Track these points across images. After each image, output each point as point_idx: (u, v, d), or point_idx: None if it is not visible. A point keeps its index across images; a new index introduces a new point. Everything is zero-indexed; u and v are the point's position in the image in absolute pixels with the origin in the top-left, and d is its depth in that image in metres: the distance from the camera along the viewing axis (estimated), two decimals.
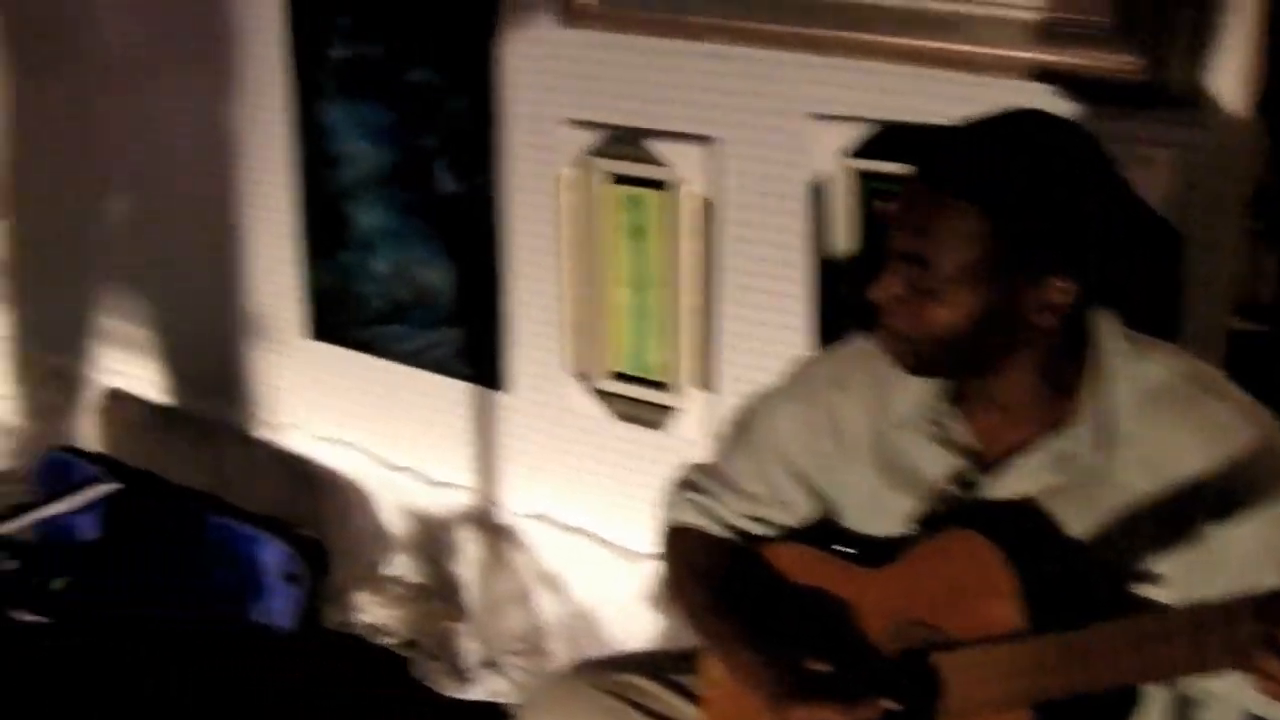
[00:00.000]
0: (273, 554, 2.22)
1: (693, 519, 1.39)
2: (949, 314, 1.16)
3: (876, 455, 1.29)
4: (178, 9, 2.38)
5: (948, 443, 1.24)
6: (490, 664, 2.11)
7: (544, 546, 2.07)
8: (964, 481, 1.23)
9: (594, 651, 1.90)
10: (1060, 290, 1.15)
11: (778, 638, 1.26)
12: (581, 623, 2.01)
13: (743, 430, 1.39)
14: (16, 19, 2.66)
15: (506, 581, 2.09)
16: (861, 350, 1.29)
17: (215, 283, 2.45)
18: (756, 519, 1.37)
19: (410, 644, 2.18)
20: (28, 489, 2.64)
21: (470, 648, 2.13)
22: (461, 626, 2.14)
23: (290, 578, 2.20)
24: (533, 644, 2.08)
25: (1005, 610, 1.15)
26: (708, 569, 1.35)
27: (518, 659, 2.08)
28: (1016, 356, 1.19)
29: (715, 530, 1.37)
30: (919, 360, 1.21)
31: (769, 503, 1.36)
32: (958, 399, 1.24)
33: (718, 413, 1.80)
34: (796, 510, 1.35)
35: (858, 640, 1.25)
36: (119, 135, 2.57)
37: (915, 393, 1.25)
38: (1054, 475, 1.18)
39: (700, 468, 1.42)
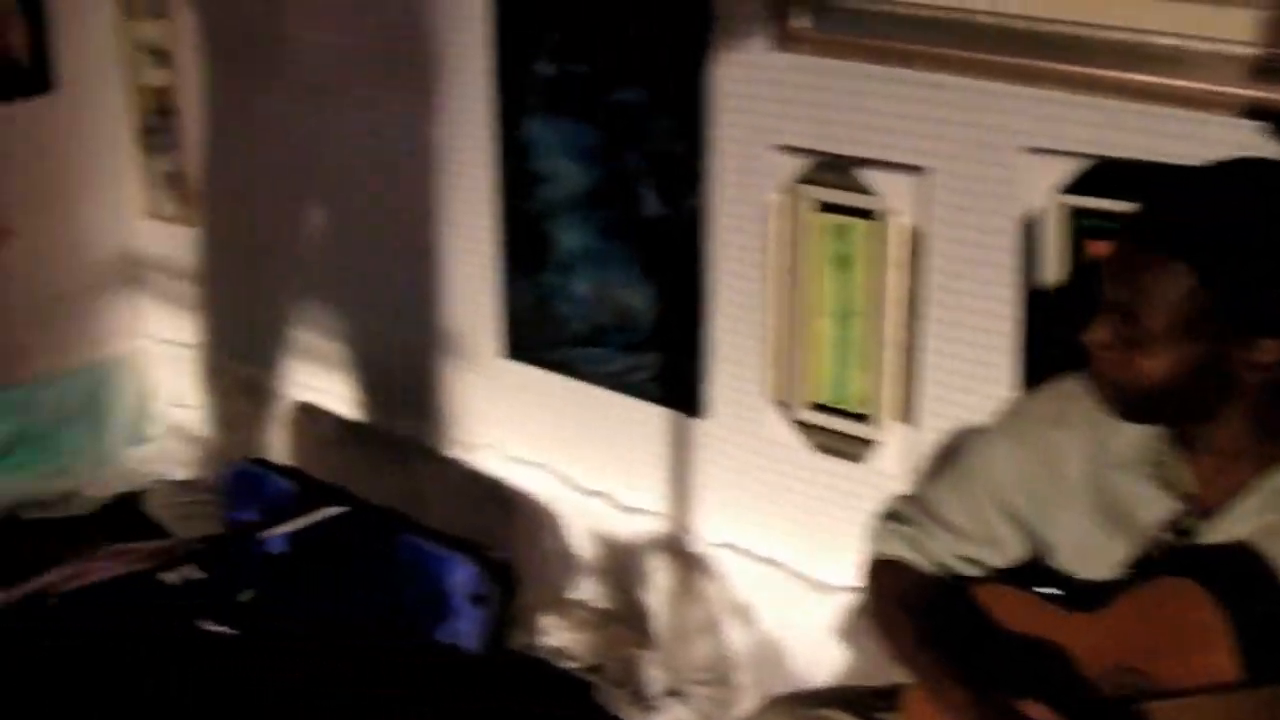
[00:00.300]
0: (462, 575, 2.42)
1: (900, 552, 1.51)
2: (1156, 367, 1.28)
3: (1093, 496, 1.39)
4: (384, 24, 2.61)
5: (1168, 485, 1.34)
6: (675, 693, 2.29)
7: (734, 576, 2.23)
8: (1179, 528, 1.34)
9: (780, 683, 2.05)
10: (1271, 350, 1.26)
11: (989, 677, 1.37)
12: (769, 654, 2.16)
13: (955, 466, 1.51)
14: (224, 30, 2.94)
15: (695, 610, 2.26)
16: (1077, 390, 1.40)
17: (411, 299, 2.68)
18: (966, 557, 1.48)
19: (595, 669, 2.37)
20: (216, 499, 2.95)
21: (655, 675, 2.31)
22: (647, 654, 2.32)
23: (478, 599, 2.40)
24: (719, 674, 2.24)
25: (1221, 660, 1.24)
26: (916, 603, 1.47)
27: (703, 688, 2.25)
28: (1230, 405, 1.30)
29: (923, 565, 1.49)
30: (1127, 407, 1.33)
31: (980, 540, 1.47)
32: (1177, 442, 1.35)
33: (916, 447, 1.95)
34: (1007, 550, 1.47)
35: (1071, 684, 1.35)
36: (319, 148, 2.81)
37: (1135, 434, 1.36)
38: (1273, 513, 1.28)
39: (909, 500, 1.54)
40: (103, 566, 1.26)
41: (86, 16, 3.11)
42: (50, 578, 1.19)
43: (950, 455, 1.51)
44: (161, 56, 3.08)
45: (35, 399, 3.18)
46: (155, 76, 3.10)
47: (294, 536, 2.62)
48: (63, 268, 3.19)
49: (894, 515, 1.53)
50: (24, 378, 3.16)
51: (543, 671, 2.38)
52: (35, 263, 3.13)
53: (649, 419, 2.31)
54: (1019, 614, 1.42)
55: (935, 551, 1.48)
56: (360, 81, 2.69)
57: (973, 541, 1.47)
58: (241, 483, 2.78)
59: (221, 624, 2.58)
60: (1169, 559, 1.33)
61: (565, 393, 2.43)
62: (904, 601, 1.47)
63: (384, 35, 2.61)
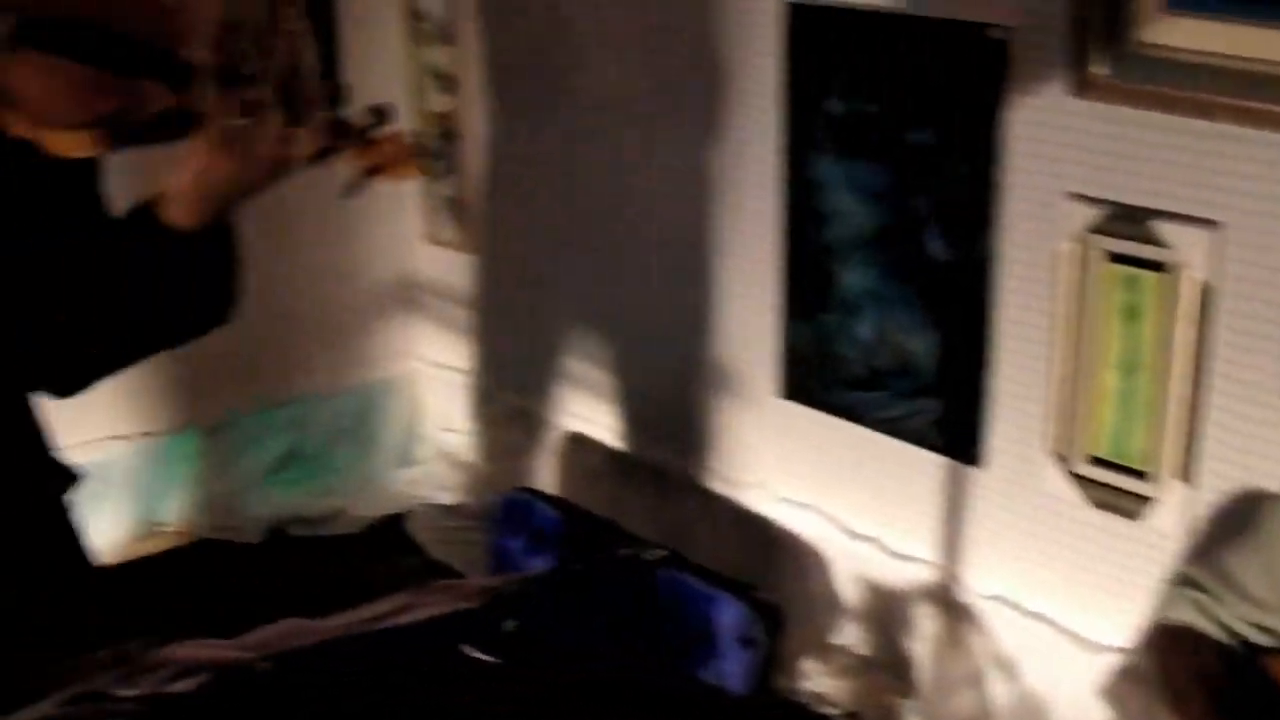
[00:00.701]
0: (730, 615, 2.64)
1: (1192, 619, 1.63)
2: None
3: None
4: (672, 56, 2.90)
5: None
6: None
7: (1001, 629, 2.46)
8: None
9: None
10: None
11: None
12: (1032, 710, 2.39)
13: (1254, 532, 1.63)
14: (510, 57, 3.30)
15: (959, 661, 2.50)
16: None
17: (687, 332, 2.98)
18: (1263, 627, 1.59)
19: (854, 716, 2.63)
20: (481, 525, 3.31)
21: None
22: (908, 703, 2.58)
23: (746, 641, 2.61)
24: None
25: None
26: (1204, 673, 1.59)
27: None
28: None
29: (1213, 632, 1.61)
30: None
31: (1277, 609, 1.59)
32: None
33: (1195, 508, 2.15)
34: None
35: None
36: (599, 177, 3.13)
37: None
38: None
39: (1203, 565, 1.67)
40: (432, 600, 1.52)
41: (376, 40, 3.54)
42: (380, 607, 1.47)
43: (1245, 520, 1.65)
44: (447, 82, 3.47)
45: (309, 416, 3.64)
46: (440, 102, 3.50)
47: (560, 568, 2.95)
48: (342, 288, 3.65)
49: (1186, 580, 1.66)
50: (299, 395, 3.62)
51: (803, 715, 2.64)
52: (315, 282, 3.59)
53: (924, 465, 2.56)
54: None
55: (1230, 620, 1.59)
56: (644, 111, 2.99)
57: (1270, 610, 1.58)
58: (510, 511, 3.09)
59: (486, 652, 2.93)
60: None
61: (840, 435, 2.70)
62: (1193, 670, 1.59)
63: (671, 67, 2.91)
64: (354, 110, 1.68)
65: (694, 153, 2.89)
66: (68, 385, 1.82)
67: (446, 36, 3.45)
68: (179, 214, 1.61)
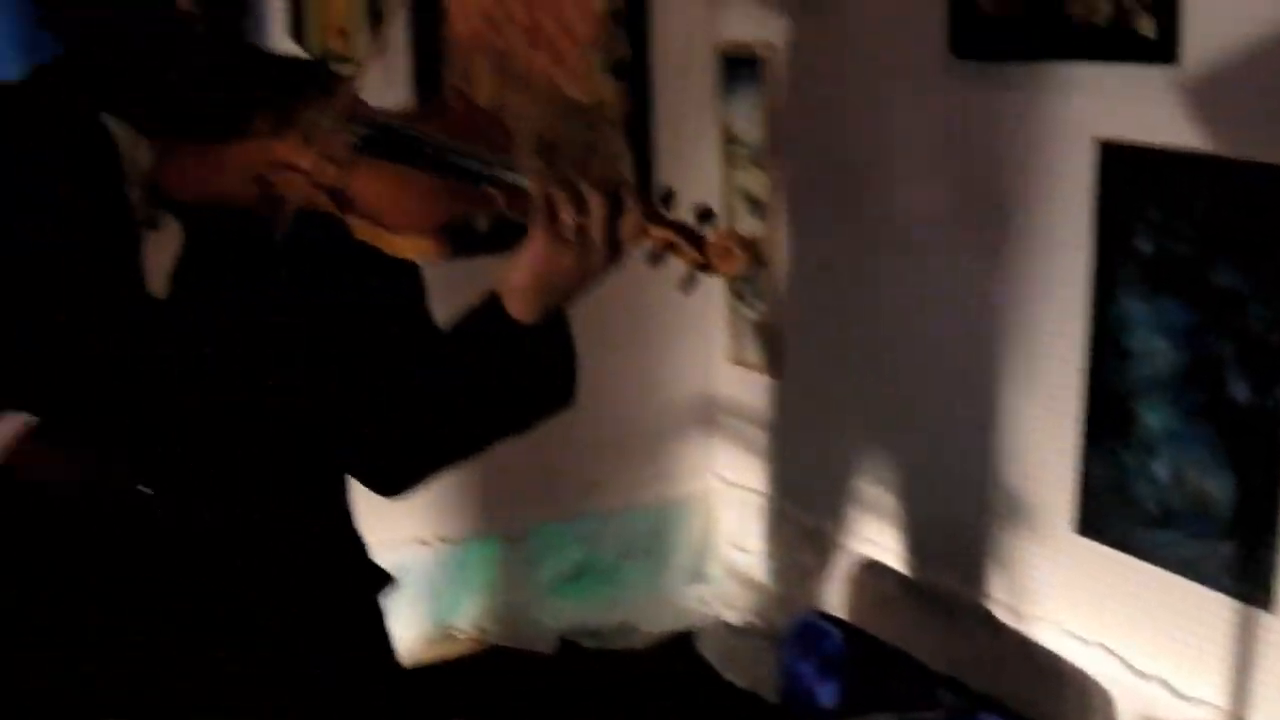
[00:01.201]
0: None
1: None
2: None
3: None
4: (980, 186, 3.05)
5: None
6: None
7: None
8: None
9: None
10: None
11: None
12: None
13: None
14: (821, 184, 3.51)
15: None
16: None
17: (981, 461, 3.10)
18: None
19: None
20: (770, 647, 3.51)
21: None
22: None
23: None
24: None
25: None
26: None
27: None
28: None
29: None
30: None
31: None
32: None
33: None
34: None
35: None
36: (901, 303, 3.30)
37: None
38: None
39: None
40: None
41: (690, 162, 3.82)
42: None
43: None
44: (758, 206, 3.71)
45: (604, 530, 3.88)
46: (750, 225, 3.72)
47: (844, 691, 3.14)
48: (643, 405, 3.90)
49: None
50: (595, 508, 3.87)
51: None
52: (618, 398, 3.83)
53: (1215, 608, 2.63)
54: None
55: None
56: (950, 240, 3.14)
57: None
58: (802, 634, 3.23)
59: None
60: None
61: (1131, 573, 2.78)
62: None
63: (980, 198, 3.06)
64: (680, 211, 1.79)
65: (998, 283, 3.03)
66: (400, 482, 2.01)
67: (759, 161, 3.69)
68: (520, 309, 1.76)
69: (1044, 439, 2.99)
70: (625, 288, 3.64)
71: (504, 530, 3.79)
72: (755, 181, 3.74)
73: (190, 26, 1.73)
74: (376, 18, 3.36)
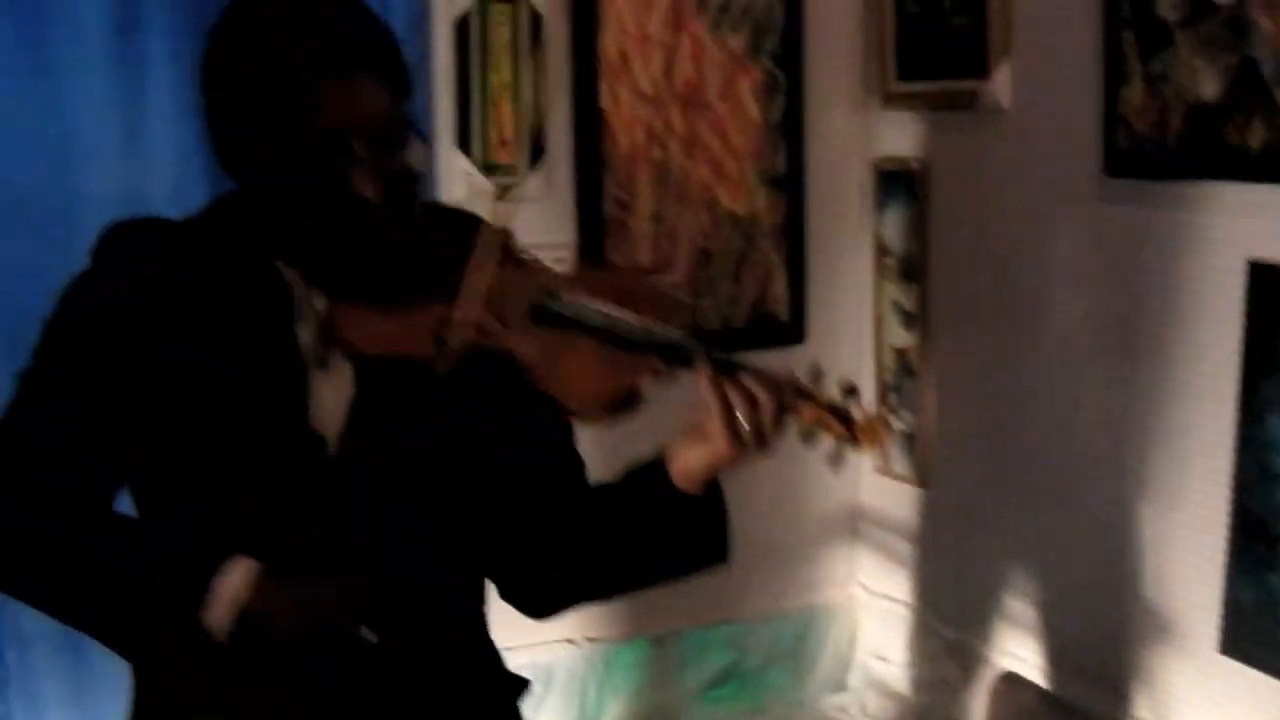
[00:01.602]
0: None
1: None
2: None
3: None
4: (1132, 303, 3.10)
5: None
6: None
7: None
8: None
9: None
10: None
11: None
12: None
13: None
14: (973, 297, 3.57)
15: None
16: None
17: (1126, 578, 3.13)
18: None
19: None
20: None
21: None
22: None
23: None
24: None
25: None
26: None
27: None
28: None
29: None
30: None
31: None
32: None
33: None
34: None
35: None
36: (1049, 417, 3.35)
37: None
38: None
39: None
40: None
41: (843, 276, 3.94)
42: None
43: None
44: (909, 318, 3.79)
45: (750, 636, 3.94)
46: (901, 337, 3.82)
47: None
48: (791, 513, 3.96)
49: None
50: (741, 614, 3.92)
51: None
52: (767, 506, 3.89)
53: None
54: None
55: None
56: (1101, 356, 3.20)
57: None
58: None
59: None
60: None
61: (1276, 695, 2.79)
62: None
63: (1132, 316, 3.11)
64: (827, 385, 1.86)
65: (1148, 401, 3.08)
66: (549, 610, 2.10)
67: (911, 273, 3.78)
68: (685, 482, 1.88)
69: (1190, 557, 3.01)
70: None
71: (652, 633, 3.86)
72: (906, 293, 3.82)
73: (367, 207, 1.84)
74: (539, 131, 3.52)
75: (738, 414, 1.81)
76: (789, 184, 3.87)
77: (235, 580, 1.82)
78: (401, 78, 1.93)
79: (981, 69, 3.47)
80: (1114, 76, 3.08)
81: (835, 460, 1.84)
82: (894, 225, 3.86)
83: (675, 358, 1.84)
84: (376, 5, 3.05)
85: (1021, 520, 3.50)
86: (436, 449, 1.93)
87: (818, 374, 1.86)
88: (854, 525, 4.07)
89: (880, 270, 3.91)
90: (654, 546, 1.95)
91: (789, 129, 3.85)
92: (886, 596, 3.96)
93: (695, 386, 1.82)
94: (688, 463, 1.88)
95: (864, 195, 3.95)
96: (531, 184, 3.50)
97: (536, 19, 3.49)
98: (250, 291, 1.93)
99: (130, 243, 1.96)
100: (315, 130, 1.82)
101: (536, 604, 2.11)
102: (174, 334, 1.90)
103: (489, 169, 3.47)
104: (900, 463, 3.88)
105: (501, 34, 3.44)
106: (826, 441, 1.82)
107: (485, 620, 2.11)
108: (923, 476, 3.82)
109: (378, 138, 1.85)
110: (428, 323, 1.87)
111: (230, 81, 1.87)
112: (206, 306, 1.92)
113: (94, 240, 1.96)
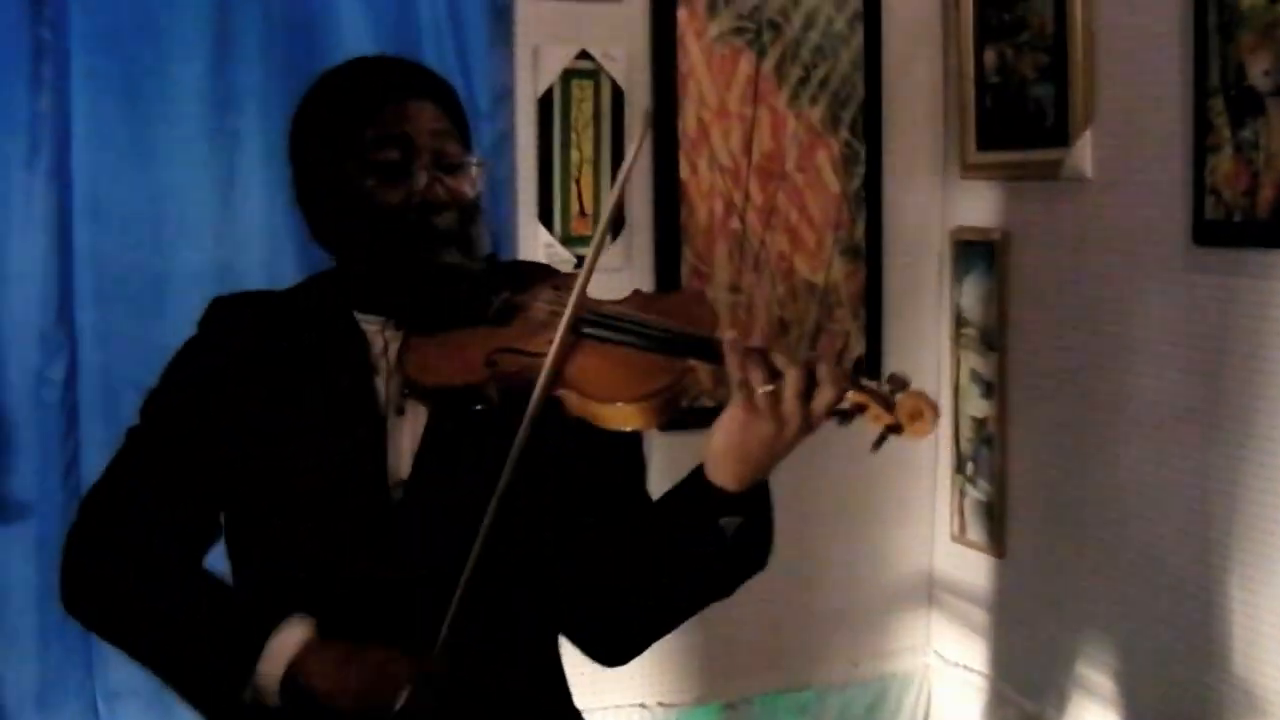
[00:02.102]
0: None
1: None
2: None
3: None
4: (1218, 378, 3.10)
5: None
6: None
7: None
8: None
9: None
10: None
11: None
12: None
13: None
14: (1051, 367, 3.60)
15: None
16: None
17: (1206, 655, 3.13)
18: None
19: None
20: None
21: None
22: None
23: None
24: None
25: None
26: None
27: None
28: None
29: None
30: None
31: None
32: None
33: None
34: None
35: None
36: (1132, 490, 3.35)
37: None
38: None
39: None
40: None
41: (920, 345, 4.01)
42: None
43: None
44: (988, 388, 3.84)
45: (823, 703, 3.99)
46: (979, 406, 3.86)
47: None
48: (867, 581, 4.03)
49: None
50: (815, 681, 3.98)
51: None
52: (842, 573, 3.98)
53: None
54: None
55: None
56: (1185, 428, 3.19)
57: None
58: None
59: None
60: None
61: None
62: None
63: (1217, 390, 3.11)
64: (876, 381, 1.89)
65: (1235, 473, 3.07)
66: (622, 651, 2.18)
67: (989, 343, 3.83)
68: (722, 476, 1.91)
69: (1275, 633, 3.01)
70: (851, 465, 3.84)
71: (724, 698, 3.92)
72: (985, 364, 3.88)
73: (452, 270, 2.04)
74: (620, 203, 3.60)
75: (752, 383, 1.84)
76: (867, 254, 3.95)
77: (291, 638, 1.96)
78: (455, 107, 2.14)
79: (1063, 138, 3.51)
80: (1203, 145, 3.10)
81: (877, 445, 1.85)
82: (973, 295, 3.92)
83: (707, 353, 1.91)
84: (462, 81, 3.23)
85: (1102, 591, 3.51)
86: (502, 490, 1.97)
87: (860, 361, 1.90)
88: (929, 593, 4.12)
89: (958, 340, 3.97)
90: (698, 551, 1.97)
91: (868, 199, 3.94)
92: (962, 666, 4.00)
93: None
94: (713, 444, 1.91)
95: (942, 265, 4.02)
96: (612, 255, 3.60)
97: (618, 94, 3.60)
98: (332, 347, 2.10)
99: (228, 316, 2.17)
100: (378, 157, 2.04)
101: (606, 647, 2.18)
102: (266, 399, 2.08)
103: (568, 241, 3.59)
104: (976, 531, 3.92)
105: (584, 109, 3.56)
106: (869, 426, 1.84)
107: (561, 673, 2.21)
108: (999, 546, 3.85)
109: (437, 154, 2.06)
110: (484, 345, 2.00)
111: (305, 141, 2.13)
112: (294, 369, 2.09)
113: (201, 314, 2.18)
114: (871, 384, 1.85)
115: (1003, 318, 3.81)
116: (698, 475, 1.95)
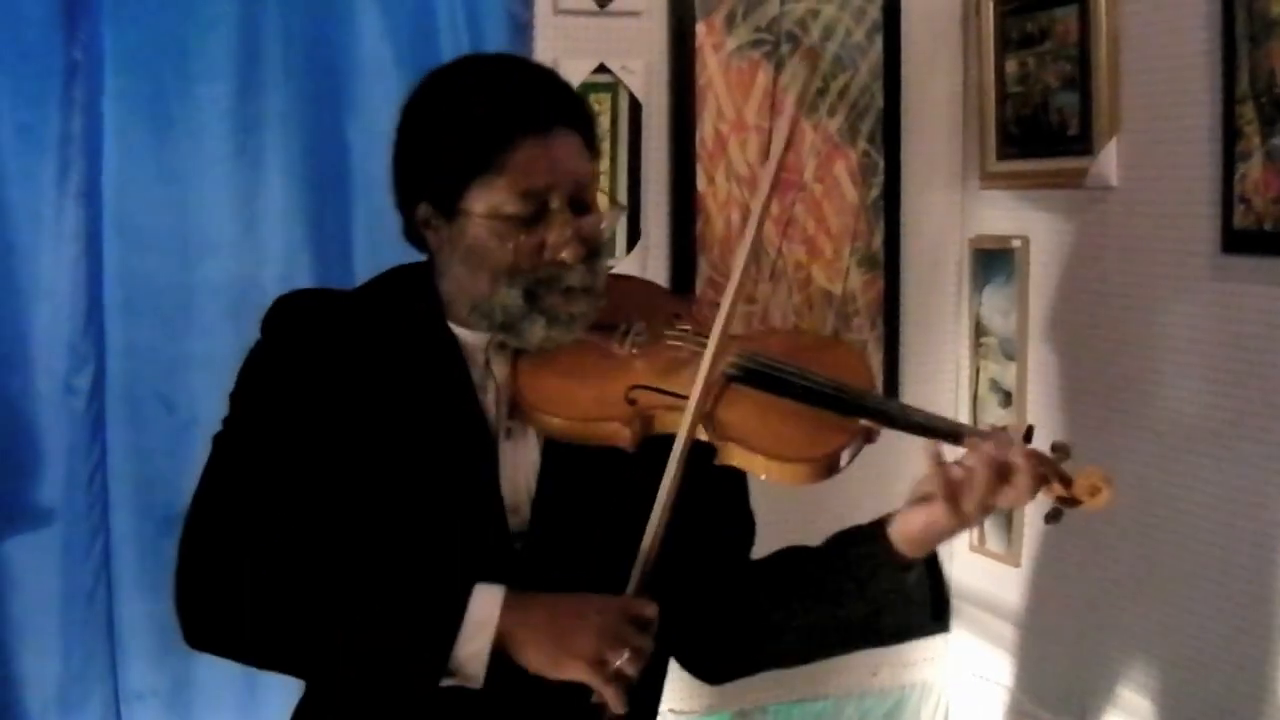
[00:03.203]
0: None
1: None
2: None
3: None
4: (1246, 386, 3.15)
5: None
6: None
7: None
8: None
9: None
10: None
11: None
12: None
13: None
14: (1071, 375, 3.70)
15: None
16: None
17: (1241, 671, 3.15)
18: None
19: None
20: None
21: None
22: None
23: None
24: None
25: None
26: None
27: None
28: None
29: None
30: None
31: None
32: None
33: None
34: None
35: None
36: (1160, 502, 3.37)
37: None
38: None
39: None
40: None
41: (939, 355, 4.13)
42: None
43: None
44: (1008, 397, 3.91)
45: (840, 714, 4.10)
46: (998, 416, 3.93)
47: None
48: None
49: None
50: (832, 691, 4.08)
51: None
52: None
53: None
54: None
55: None
56: (1214, 439, 3.25)
57: None
58: None
59: None
60: None
61: None
62: None
63: (1246, 398, 3.16)
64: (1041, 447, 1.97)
65: (1264, 485, 3.12)
66: (732, 675, 2.29)
67: (1010, 352, 3.92)
68: (911, 552, 1.99)
69: None
70: (870, 477, 3.96)
71: (737, 706, 4.02)
72: (1005, 373, 3.97)
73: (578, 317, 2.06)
74: (636, 214, 3.77)
75: (962, 487, 1.90)
76: (886, 263, 4.08)
77: (485, 603, 1.93)
78: (594, 139, 2.12)
79: (1088, 147, 3.59)
80: (1232, 152, 3.15)
81: (1053, 519, 1.97)
82: (993, 304, 4.01)
83: (887, 421, 1.97)
84: None
85: (1123, 602, 3.56)
86: (624, 524, 2.01)
87: (1062, 450, 1.97)
88: (951, 606, 4.17)
89: (977, 349, 4.06)
90: (865, 608, 2.05)
91: (886, 209, 4.06)
92: (981, 677, 4.08)
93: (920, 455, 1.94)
94: (912, 532, 1.99)
95: (961, 274, 4.12)
96: (626, 265, 3.72)
97: (636, 106, 3.74)
98: (428, 358, 2.09)
99: (290, 313, 2.17)
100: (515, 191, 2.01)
101: (715, 670, 2.29)
102: (359, 406, 2.06)
103: None
104: (996, 541, 4.00)
105: (602, 122, 3.69)
106: (1047, 500, 1.93)
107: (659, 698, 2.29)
108: (1018, 556, 3.92)
109: (574, 195, 2.05)
110: (617, 384, 2.02)
111: (427, 149, 2.08)
112: (386, 377, 2.08)
113: (264, 315, 2.19)
114: (1052, 462, 1.94)
115: (1023, 327, 3.88)
116: (878, 537, 2.03)
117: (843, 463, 1.99)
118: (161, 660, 3.34)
